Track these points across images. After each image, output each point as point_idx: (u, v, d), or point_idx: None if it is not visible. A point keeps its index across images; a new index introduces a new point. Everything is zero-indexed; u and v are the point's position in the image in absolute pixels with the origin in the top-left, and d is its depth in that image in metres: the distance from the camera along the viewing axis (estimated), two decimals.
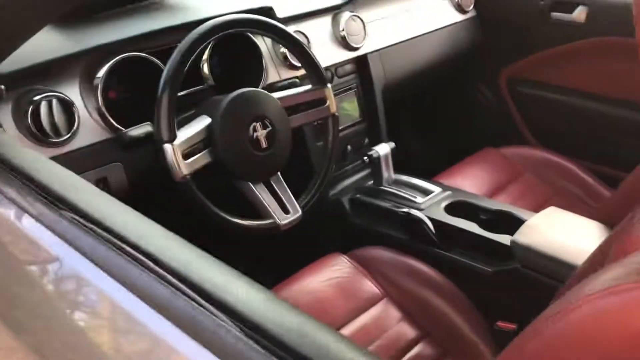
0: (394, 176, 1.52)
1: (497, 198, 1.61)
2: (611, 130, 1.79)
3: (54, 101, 1.05)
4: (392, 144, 1.50)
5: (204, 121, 1.09)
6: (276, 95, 1.18)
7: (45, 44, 1.13)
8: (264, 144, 1.12)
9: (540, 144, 1.98)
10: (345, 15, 1.52)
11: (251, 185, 1.14)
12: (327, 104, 1.24)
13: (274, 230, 1.14)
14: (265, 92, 1.15)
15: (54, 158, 1.07)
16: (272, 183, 1.17)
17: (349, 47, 1.54)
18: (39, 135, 1.04)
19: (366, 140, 1.64)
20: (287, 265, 1.43)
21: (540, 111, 1.97)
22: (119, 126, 1.13)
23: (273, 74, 1.39)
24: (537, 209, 1.55)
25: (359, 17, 1.55)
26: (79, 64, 1.13)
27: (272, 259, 1.62)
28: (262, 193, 1.15)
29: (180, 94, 1.08)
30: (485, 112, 2.07)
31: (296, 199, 1.20)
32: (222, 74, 1.33)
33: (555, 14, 1.80)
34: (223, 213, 1.07)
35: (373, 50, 1.61)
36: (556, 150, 1.78)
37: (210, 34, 1.05)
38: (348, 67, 1.57)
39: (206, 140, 1.07)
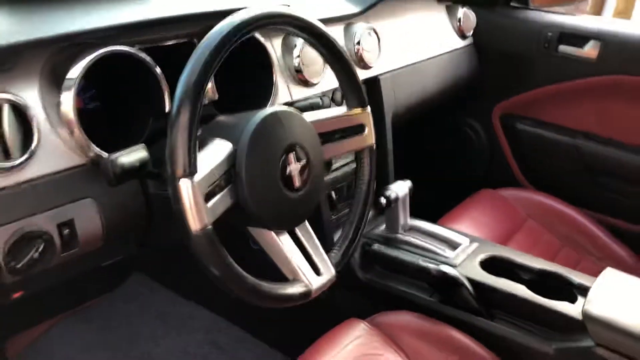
0: (410, 221, 1.28)
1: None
2: (616, 177, 1.66)
3: (5, 107, 0.71)
4: (409, 183, 1.26)
5: (223, 148, 0.79)
6: (308, 117, 0.89)
7: None
8: (297, 182, 0.84)
9: (534, 187, 1.83)
10: (361, 27, 1.27)
11: (274, 235, 0.85)
12: (365, 132, 0.98)
13: (305, 298, 0.85)
14: (299, 113, 0.87)
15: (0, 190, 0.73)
16: (298, 233, 0.88)
17: (362, 65, 1.29)
18: None
19: None
20: (297, 330, 1.14)
21: (537, 152, 1.81)
22: (96, 148, 0.80)
23: (283, 91, 1.10)
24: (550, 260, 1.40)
25: (374, 30, 1.31)
26: (43, 57, 0.79)
27: (276, 323, 1.32)
28: (286, 246, 0.86)
29: None
30: (477, 149, 1.88)
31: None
32: (222, 87, 1.04)
33: (564, 47, 1.65)
34: (251, 277, 0.77)
35: (386, 71, 1.37)
36: (551, 194, 1.63)
37: (250, 27, 0.76)
38: None
39: (228, 174, 0.77)
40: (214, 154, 0.77)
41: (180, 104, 0.70)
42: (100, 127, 0.92)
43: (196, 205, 0.70)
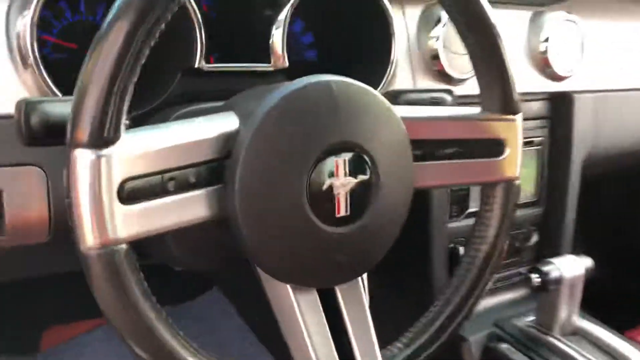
0: (578, 321, 0.82)
1: None
2: None
3: None
4: (589, 262, 0.81)
5: (224, 122, 0.46)
6: (400, 110, 0.52)
7: None
8: (343, 209, 0.47)
9: None
10: (556, 17, 0.86)
11: (290, 291, 0.49)
12: (504, 156, 0.57)
13: None
14: (377, 93, 0.50)
15: None
16: (339, 298, 0.52)
17: (548, 73, 0.88)
18: None
19: (534, 238, 0.95)
20: None
21: None
22: (54, 87, 0.55)
23: (405, 75, 0.75)
24: None
25: (577, 25, 0.88)
26: None
27: None
28: (306, 314, 0.50)
29: (215, 66, 0.64)
30: None
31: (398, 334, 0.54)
32: (319, 56, 0.73)
33: None
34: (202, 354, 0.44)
35: (587, 89, 0.93)
36: None
37: None
38: (537, 107, 0.92)
39: (215, 167, 0.44)
40: (200, 127, 0.45)
41: (110, 25, 0.38)
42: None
43: (97, 200, 0.38)
